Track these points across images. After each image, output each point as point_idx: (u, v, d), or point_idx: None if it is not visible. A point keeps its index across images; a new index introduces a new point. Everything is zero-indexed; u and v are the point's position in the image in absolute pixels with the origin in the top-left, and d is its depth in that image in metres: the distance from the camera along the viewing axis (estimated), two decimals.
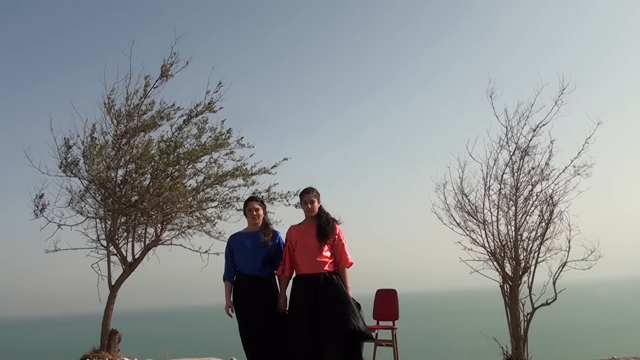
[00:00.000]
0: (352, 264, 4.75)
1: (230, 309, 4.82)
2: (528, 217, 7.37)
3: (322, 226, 4.72)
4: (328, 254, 4.70)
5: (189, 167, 8.31)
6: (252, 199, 5.07)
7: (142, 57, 8.50)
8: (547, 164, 7.32)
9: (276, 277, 4.89)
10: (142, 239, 8.39)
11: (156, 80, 8.28)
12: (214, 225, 8.48)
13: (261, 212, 4.98)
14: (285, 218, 8.48)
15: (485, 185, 7.52)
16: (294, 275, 4.85)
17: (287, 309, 4.74)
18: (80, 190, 8.23)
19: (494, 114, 7.53)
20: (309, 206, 4.77)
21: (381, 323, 6.84)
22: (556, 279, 7.20)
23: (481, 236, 7.49)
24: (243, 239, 4.94)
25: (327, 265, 4.66)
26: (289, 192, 8.35)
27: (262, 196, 8.41)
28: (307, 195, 4.80)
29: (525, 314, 7.22)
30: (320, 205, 4.85)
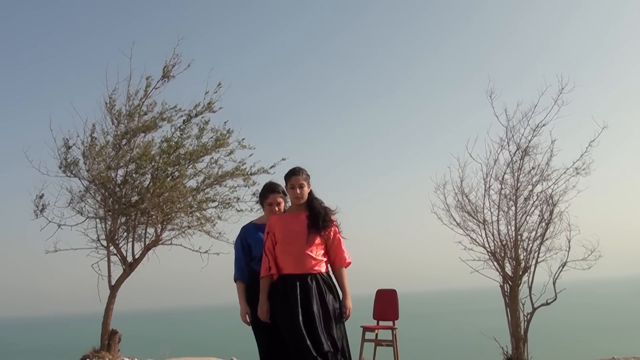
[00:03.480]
0: (350, 263, 3.89)
1: (247, 315, 3.96)
2: (528, 217, 7.39)
3: (315, 214, 3.80)
4: (321, 251, 3.79)
5: (190, 167, 8.32)
6: (274, 190, 4.12)
7: (143, 59, 8.55)
8: (547, 164, 7.34)
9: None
10: (142, 239, 8.39)
11: (157, 81, 8.30)
12: (214, 225, 8.50)
13: (282, 206, 4.14)
14: None
15: (486, 185, 7.54)
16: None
17: (270, 319, 3.75)
18: (80, 191, 8.25)
19: (494, 114, 7.56)
20: (298, 191, 3.80)
21: (381, 323, 6.86)
22: (556, 279, 7.22)
23: (481, 236, 7.51)
24: (259, 232, 4.09)
25: (318, 265, 3.73)
26: None
27: None
28: (295, 178, 3.82)
29: (525, 314, 7.23)
30: (311, 191, 3.91)
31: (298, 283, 3.65)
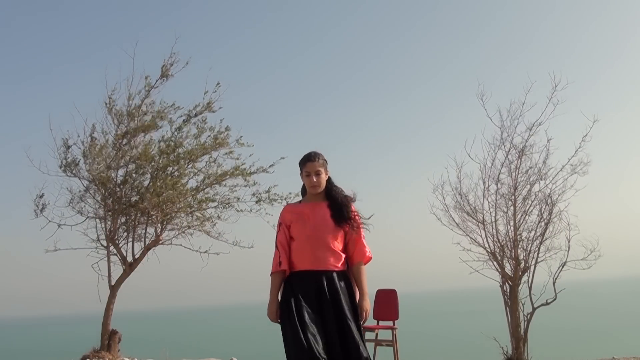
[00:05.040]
0: (370, 258, 3.46)
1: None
2: (527, 216, 7.39)
3: (337, 204, 3.39)
4: (340, 245, 3.38)
5: (189, 166, 8.33)
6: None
7: (142, 59, 8.58)
8: (544, 162, 7.35)
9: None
10: (142, 239, 8.41)
11: (156, 81, 8.32)
12: (214, 225, 8.51)
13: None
14: None
15: (484, 186, 7.54)
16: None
17: (281, 319, 3.31)
18: (80, 191, 8.27)
19: (486, 116, 7.57)
20: (314, 179, 3.36)
21: (381, 323, 6.87)
22: (556, 278, 7.21)
23: (481, 236, 7.51)
24: None
25: (339, 261, 3.34)
26: (289, 193, 8.34)
27: (262, 197, 8.45)
28: (312, 164, 3.37)
29: (525, 314, 7.23)
30: (329, 178, 3.47)
31: (321, 281, 3.26)
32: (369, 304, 3.36)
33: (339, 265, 3.34)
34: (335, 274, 3.30)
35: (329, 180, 3.46)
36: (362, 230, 3.44)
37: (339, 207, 3.39)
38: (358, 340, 3.17)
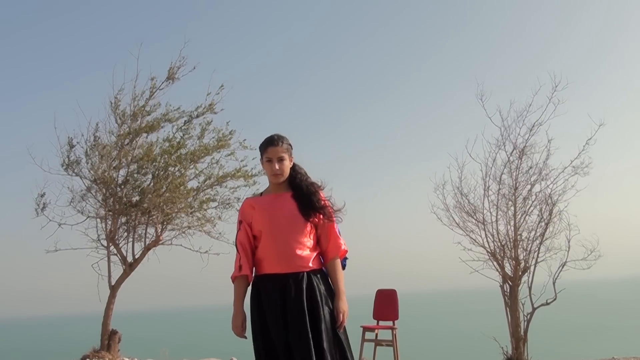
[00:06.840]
0: (346, 252, 3.00)
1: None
2: (527, 216, 7.40)
3: (302, 194, 2.93)
4: (311, 241, 2.91)
5: (191, 167, 8.33)
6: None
7: (148, 60, 8.60)
8: (545, 163, 7.35)
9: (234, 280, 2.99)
10: (143, 239, 8.41)
11: (162, 83, 8.33)
12: (214, 225, 8.52)
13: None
14: None
15: (485, 186, 7.54)
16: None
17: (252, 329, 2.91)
18: (81, 190, 8.27)
19: (486, 116, 7.57)
20: (276, 166, 2.89)
21: (381, 323, 6.87)
22: (556, 278, 7.22)
23: (481, 236, 7.51)
24: None
25: (311, 260, 2.87)
26: None
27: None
28: (274, 149, 2.90)
29: (525, 314, 7.23)
30: (294, 165, 3.01)
31: (287, 285, 2.81)
32: (346, 305, 2.87)
33: (310, 264, 2.87)
34: (303, 276, 2.83)
35: (292, 168, 2.99)
36: (335, 220, 2.98)
37: (305, 197, 2.92)
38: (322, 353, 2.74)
